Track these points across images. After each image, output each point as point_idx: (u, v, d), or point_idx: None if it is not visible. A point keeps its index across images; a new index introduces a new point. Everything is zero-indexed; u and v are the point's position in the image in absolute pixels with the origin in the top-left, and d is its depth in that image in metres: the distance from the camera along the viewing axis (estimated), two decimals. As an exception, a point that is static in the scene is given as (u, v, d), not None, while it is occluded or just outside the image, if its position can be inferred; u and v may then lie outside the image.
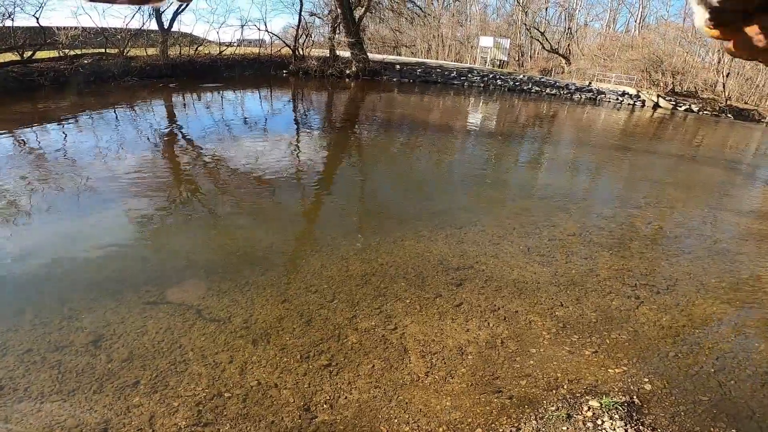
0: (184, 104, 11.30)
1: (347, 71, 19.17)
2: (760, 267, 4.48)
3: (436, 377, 2.50)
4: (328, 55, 19.46)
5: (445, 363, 2.62)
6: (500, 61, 32.11)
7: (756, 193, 8.34)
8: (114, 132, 7.54)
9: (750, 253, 4.85)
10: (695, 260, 4.48)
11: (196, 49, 17.17)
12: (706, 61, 28.13)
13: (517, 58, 35.85)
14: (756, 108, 25.75)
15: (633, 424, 2.20)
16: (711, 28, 0.36)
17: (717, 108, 24.63)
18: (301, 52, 18.96)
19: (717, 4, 0.33)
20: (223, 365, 2.50)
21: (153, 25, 16.10)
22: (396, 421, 2.20)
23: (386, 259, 3.81)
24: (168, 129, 8.30)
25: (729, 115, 24.10)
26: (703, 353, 2.93)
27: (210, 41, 18.55)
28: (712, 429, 2.27)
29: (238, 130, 8.38)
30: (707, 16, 0.35)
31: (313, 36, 20.76)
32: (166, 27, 15.97)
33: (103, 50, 13.93)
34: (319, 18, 21.43)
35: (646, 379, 2.61)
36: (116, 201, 4.62)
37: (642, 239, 4.96)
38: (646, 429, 2.20)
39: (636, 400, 2.43)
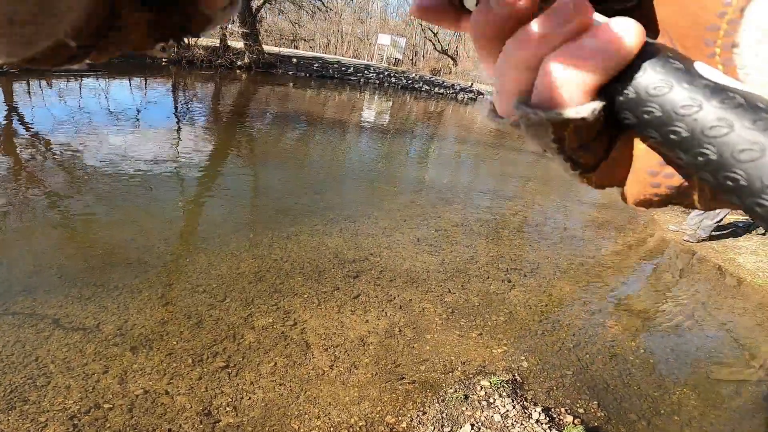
0: (29, 92, 9.39)
1: (239, 62, 17.89)
2: (600, 249, 5.36)
3: (341, 369, 2.53)
4: (219, 44, 17.93)
5: (348, 355, 2.66)
6: (396, 59, 33.16)
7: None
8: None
9: (591, 237, 5.78)
10: (551, 245, 5.19)
11: (47, 34, 14.45)
12: None
13: (411, 57, 37.36)
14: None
15: (518, 400, 2.48)
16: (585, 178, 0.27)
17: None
18: (185, 40, 17.12)
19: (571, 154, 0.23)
20: (97, 376, 2.24)
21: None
22: (306, 416, 2.18)
23: (280, 254, 3.71)
24: (5, 119, 6.84)
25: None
26: (562, 330, 3.40)
27: None
28: (578, 401, 2.64)
29: (101, 121, 7.18)
30: (570, 168, 0.26)
31: None
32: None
33: None
34: None
35: (523, 357, 2.96)
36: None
37: (511, 228, 5.59)
38: (529, 404, 2.49)
39: (518, 377, 2.73)
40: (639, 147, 0.23)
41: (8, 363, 2.23)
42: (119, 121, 7.35)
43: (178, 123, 8.16)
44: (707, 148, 0.18)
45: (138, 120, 7.69)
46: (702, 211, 5.99)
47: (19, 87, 9.62)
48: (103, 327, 2.57)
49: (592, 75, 0.20)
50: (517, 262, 4.50)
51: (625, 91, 0.20)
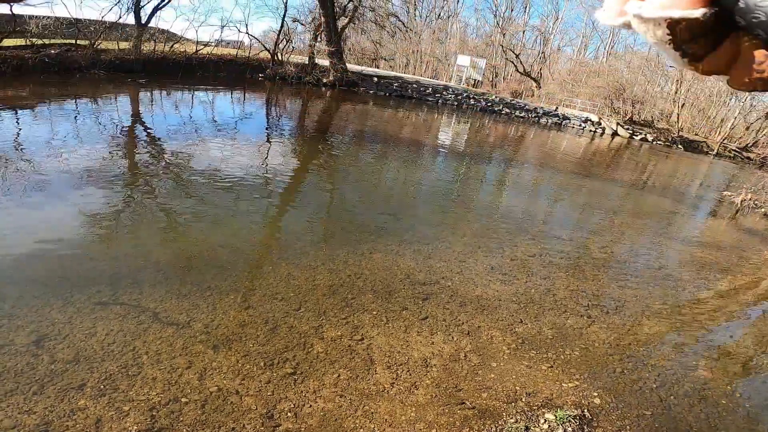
0: (152, 101, 10.87)
1: (324, 80, 19.22)
2: (699, 291, 4.83)
3: (401, 388, 2.55)
4: (307, 62, 19.41)
5: (410, 374, 2.67)
6: (475, 80, 32.86)
7: (697, 224, 8.99)
8: (71, 124, 7.18)
9: (690, 279, 5.22)
10: (641, 284, 4.77)
11: (172, 46, 16.70)
12: (665, 90, 29.86)
13: (491, 79, 36.84)
14: (705, 140, 27.66)
15: (585, 437, 2.33)
16: (693, 66, 0.32)
17: (669, 138, 26.17)
18: (279, 57, 18.83)
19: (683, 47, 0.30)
20: (181, 370, 2.44)
21: (130, 19, 15.63)
22: (361, 430, 2.22)
23: (354, 270, 3.84)
24: (130, 124, 7.98)
25: (680, 146, 25.65)
26: (646, 370, 3.12)
27: (187, 39, 18.08)
28: (654, 443, 2.42)
29: (206, 130, 8.13)
30: (680, 57, 0.32)
31: (293, 42, 20.72)
32: (143, 21, 15.66)
33: (73, 41, 13.39)
34: (301, 24, 21.41)
35: (596, 394, 2.76)
36: (68, 196, 4.39)
37: (595, 262, 5.24)
38: (596, 441, 2.33)
39: (587, 413, 2.56)
40: (746, 45, 0.30)
41: (108, 351, 2.49)
42: (220, 132, 8.24)
43: (268, 137, 8.90)
44: None
45: (236, 132, 8.55)
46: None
47: (144, 96, 11.12)
48: (193, 324, 2.82)
49: None
50: (599, 299, 4.21)
51: (739, 2, 0.27)
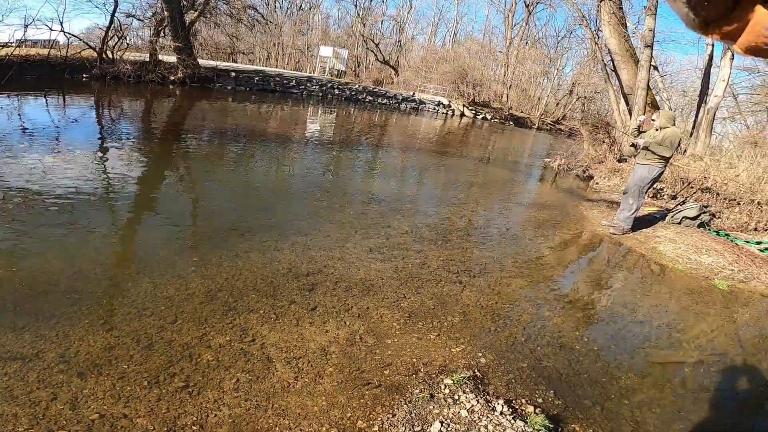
0: None
1: (172, 77, 17.16)
2: (540, 247, 5.70)
3: (307, 380, 2.51)
4: (148, 59, 17.07)
5: (311, 366, 2.64)
6: (338, 71, 33.20)
7: (530, 188, 10.57)
8: None
9: (531, 236, 6.13)
10: (496, 246, 5.44)
11: (-51, 50, 13.07)
12: (497, 74, 34.45)
13: (353, 69, 37.63)
14: (528, 116, 32.81)
15: (481, 395, 2.57)
16: (702, 29, 0.32)
17: (503, 116, 30.40)
18: (110, 55, 16.16)
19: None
20: (45, 403, 2.11)
21: None
22: (277, 428, 2.15)
23: (231, 272, 3.61)
24: None
25: (511, 123, 30.06)
26: (513, 326, 3.57)
27: None
28: (536, 391, 2.78)
29: (14, 141, 6.54)
30: (692, 14, 0.31)
31: (127, 38, 17.96)
32: None
33: None
34: (138, 20, 18.51)
35: (480, 354, 3.08)
36: None
37: (458, 232, 5.80)
38: (492, 397, 2.59)
39: (478, 373, 2.84)
40: (760, 10, 0.30)
41: (-57, 395, 2.03)
42: (34, 142, 6.72)
43: (104, 143, 7.65)
44: None
45: (57, 140, 7.09)
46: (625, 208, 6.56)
47: None
48: (43, 355, 2.41)
49: None
50: (466, 264, 4.67)
51: None
